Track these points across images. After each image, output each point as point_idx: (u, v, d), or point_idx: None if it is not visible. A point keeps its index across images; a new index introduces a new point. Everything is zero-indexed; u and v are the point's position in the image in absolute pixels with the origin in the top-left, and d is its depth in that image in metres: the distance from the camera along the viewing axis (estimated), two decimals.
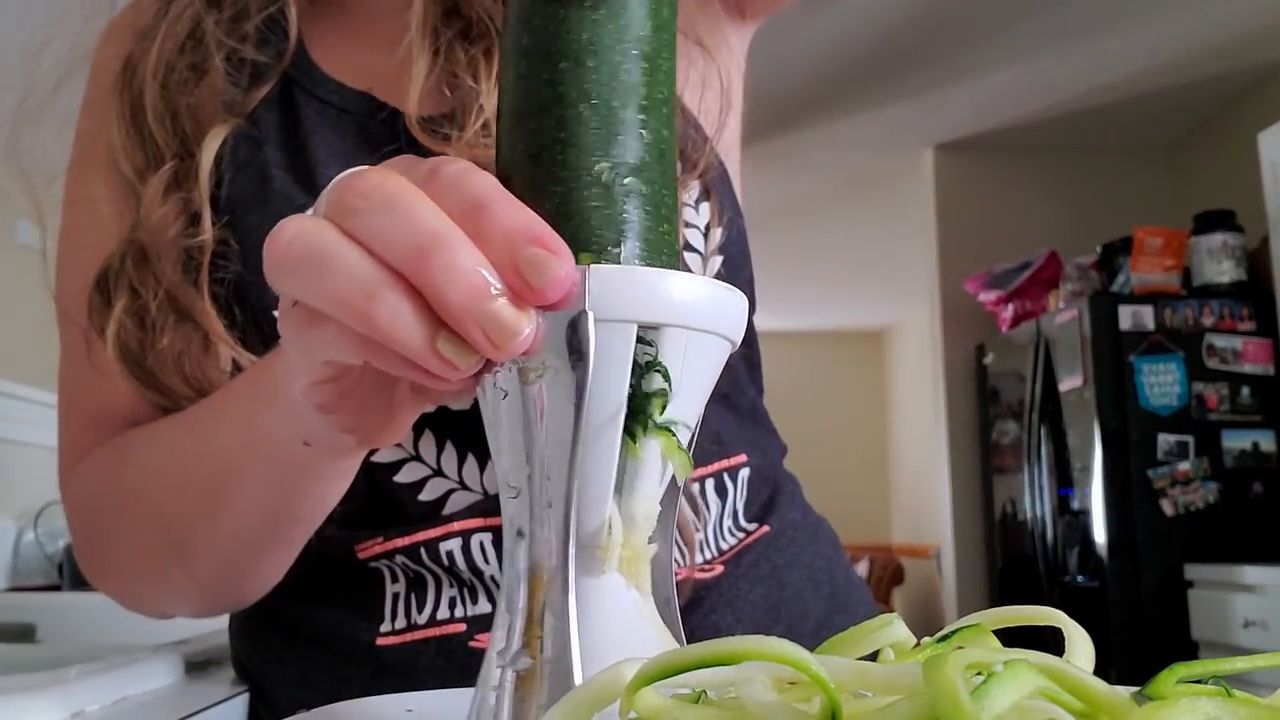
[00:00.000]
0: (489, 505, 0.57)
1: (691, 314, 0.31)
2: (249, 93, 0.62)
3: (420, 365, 0.30)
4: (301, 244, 0.30)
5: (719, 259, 0.63)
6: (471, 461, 0.57)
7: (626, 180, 0.32)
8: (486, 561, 0.57)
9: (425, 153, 0.58)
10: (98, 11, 0.65)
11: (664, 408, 0.31)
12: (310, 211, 0.32)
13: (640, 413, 0.31)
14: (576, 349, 0.29)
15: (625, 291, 0.30)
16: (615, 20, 0.32)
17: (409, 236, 0.29)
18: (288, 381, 0.38)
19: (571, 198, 0.31)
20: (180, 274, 0.57)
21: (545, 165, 0.32)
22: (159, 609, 0.63)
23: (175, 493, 0.55)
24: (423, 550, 0.57)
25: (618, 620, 0.31)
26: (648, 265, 0.32)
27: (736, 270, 0.64)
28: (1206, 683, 0.22)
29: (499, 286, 0.28)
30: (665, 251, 0.32)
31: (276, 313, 0.34)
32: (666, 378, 0.31)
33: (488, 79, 0.57)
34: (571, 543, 0.30)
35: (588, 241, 0.31)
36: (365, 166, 0.31)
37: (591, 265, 0.29)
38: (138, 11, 0.65)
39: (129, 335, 0.57)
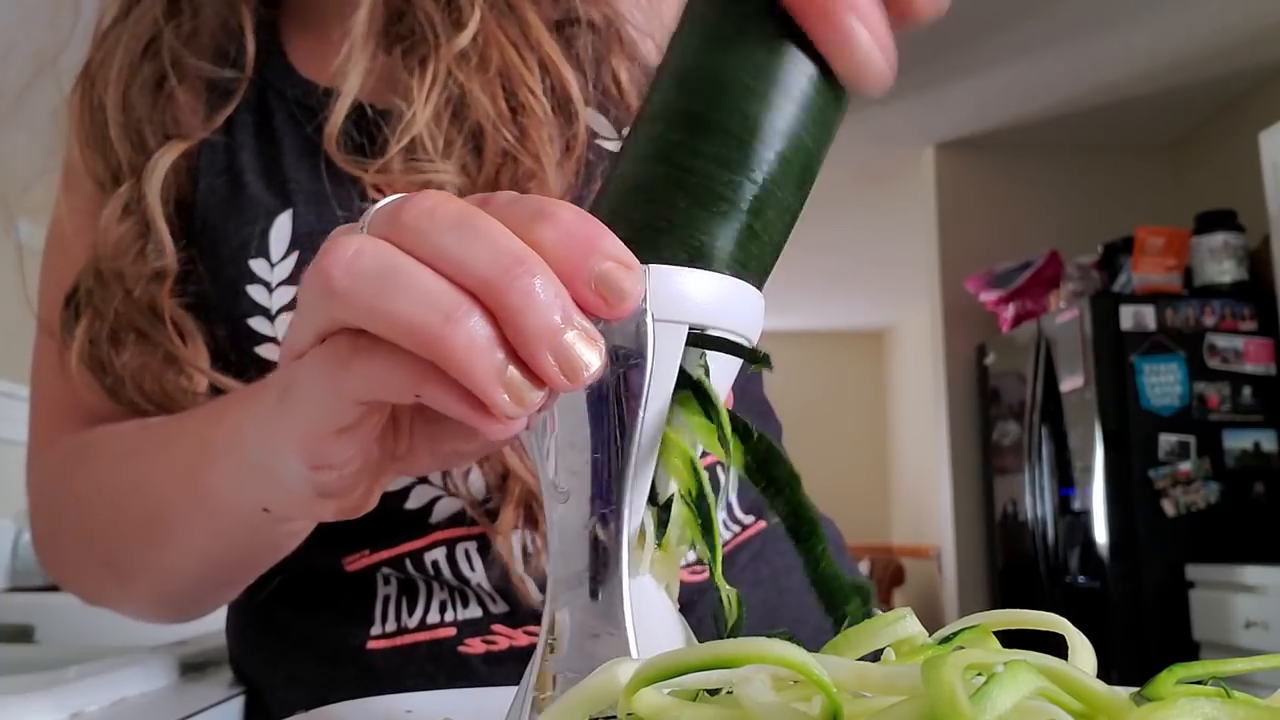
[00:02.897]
0: (474, 512, 0.57)
1: (731, 316, 0.31)
2: (216, 110, 0.60)
3: (476, 402, 0.28)
4: (368, 261, 0.27)
5: None
6: None
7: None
8: (473, 569, 0.57)
9: (365, 139, 0.56)
10: (63, 14, 0.63)
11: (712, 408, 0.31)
12: (359, 228, 0.29)
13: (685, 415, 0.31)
14: (636, 350, 0.29)
15: (682, 292, 0.29)
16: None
17: (489, 256, 0.27)
18: (256, 443, 0.35)
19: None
20: (144, 291, 0.56)
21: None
22: (108, 608, 0.62)
23: (115, 517, 0.54)
24: (408, 561, 0.57)
25: (652, 623, 0.31)
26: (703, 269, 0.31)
27: None
28: (1206, 683, 0.22)
29: (579, 318, 0.27)
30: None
31: (275, 345, 0.32)
32: (709, 378, 0.31)
33: (420, 89, 0.54)
34: (626, 545, 0.30)
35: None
36: (414, 192, 0.29)
37: (652, 265, 0.29)
38: (101, 13, 0.64)
39: (94, 351, 0.56)
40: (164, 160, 0.58)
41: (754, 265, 0.32)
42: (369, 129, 0.57)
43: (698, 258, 0.31)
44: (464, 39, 0.55)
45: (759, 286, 0.32)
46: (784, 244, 0.34)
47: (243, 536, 0.46)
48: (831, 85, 0.32)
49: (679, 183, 0.31)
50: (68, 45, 0.63)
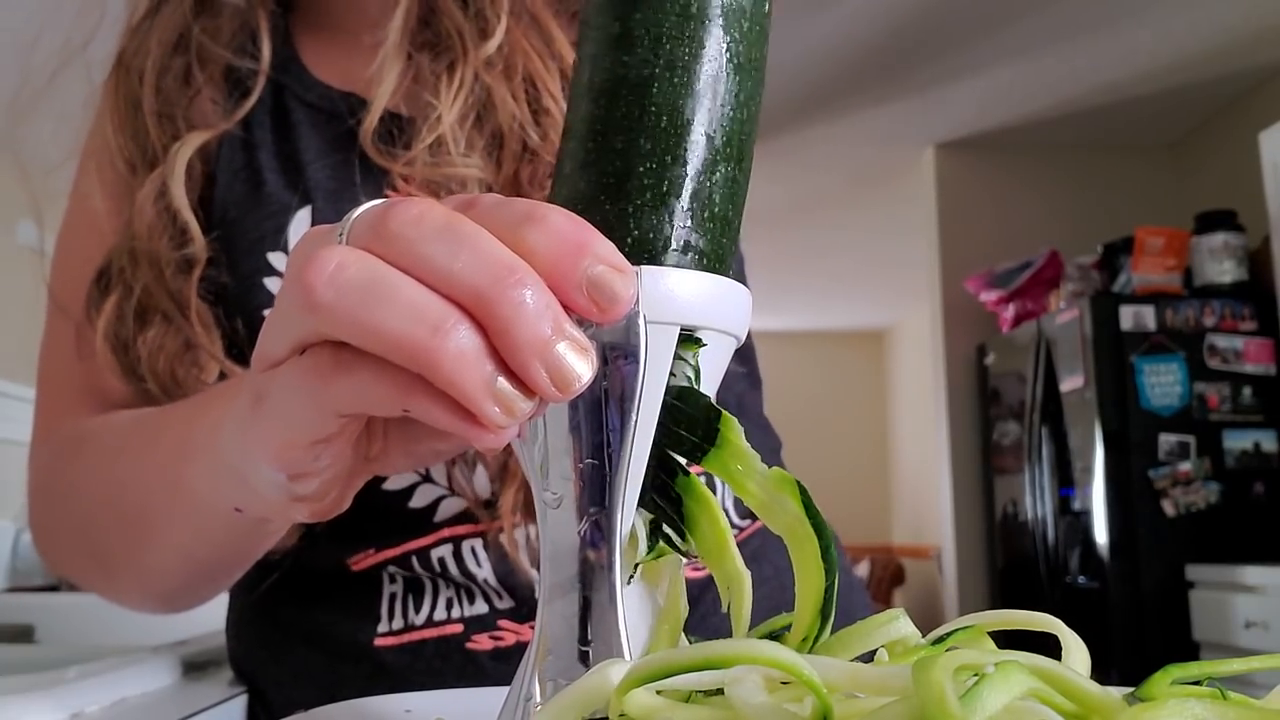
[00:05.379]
0: (479, 510, 0.57)
1: (721, 316, 0.31)
2: (237, 105, 0.62)
3: (466, 414, 0.27)
4: (352, 274, 0.27)
5: None
6: (461, 465, 0.57)
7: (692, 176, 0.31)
8: (479, 566, 0.57)
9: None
10: (91, 4, 0.65)
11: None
12: (339, 238, 0.29)
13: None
14: (628, 351, 0.29)
15: (673, 292, 0.29)
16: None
17: (478, 266, 0.27)
18: (230, 445, 0.35)
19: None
20: (172, 276, 0.58)
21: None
22: (98, 595, 0.62)
23: (104, 513, 0.54)
24: (414, 558, 0.58)
25: (645, 626, 0.31)
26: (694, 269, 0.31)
27: None
28: (1203, 684, 0.22)
29: (570, 328, 0.27)
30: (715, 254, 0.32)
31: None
32: (698, 379, 0.31)
33: (448, 92, 0.56)
34: (619, 550, 0.29)
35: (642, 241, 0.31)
36: (396, 198, 0.29)
37: (644, 266, 0.29)
38: (133, 7, 0.66)
39: (119, 328, 0.57)
40: (185, 150, 0.59)
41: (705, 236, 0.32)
42: (387, 131, 0.59)
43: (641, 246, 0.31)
44: (490, 47, 0.57)
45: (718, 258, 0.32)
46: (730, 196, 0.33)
47: (220, 533, 0.46)
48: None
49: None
50: (94, 35, 0.64)
